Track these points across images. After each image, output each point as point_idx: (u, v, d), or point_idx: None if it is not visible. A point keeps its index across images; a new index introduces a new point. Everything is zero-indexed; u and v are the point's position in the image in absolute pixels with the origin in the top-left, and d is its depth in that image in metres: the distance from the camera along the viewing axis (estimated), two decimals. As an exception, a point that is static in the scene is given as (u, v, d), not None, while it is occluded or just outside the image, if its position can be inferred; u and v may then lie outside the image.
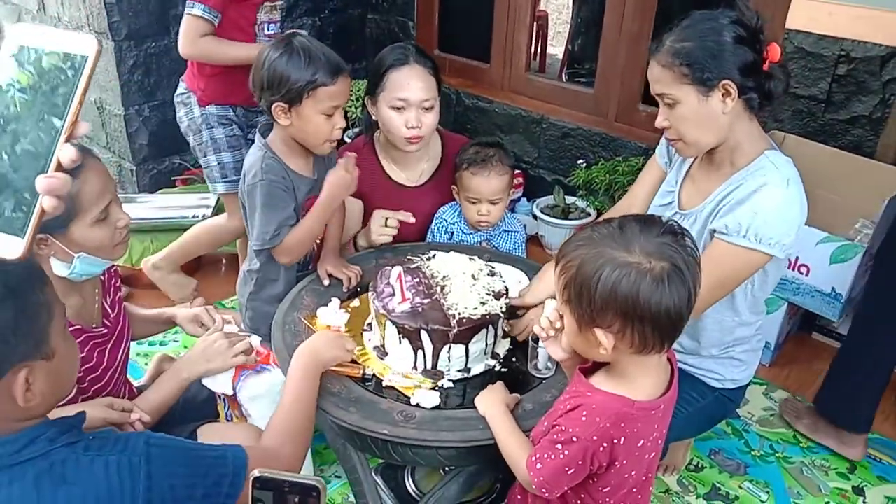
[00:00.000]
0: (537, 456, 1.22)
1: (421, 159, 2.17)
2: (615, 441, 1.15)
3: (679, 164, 1.77)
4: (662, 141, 1.84)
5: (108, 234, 1.42)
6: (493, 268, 1.74)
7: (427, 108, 2.00)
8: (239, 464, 1.13)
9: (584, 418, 1.16)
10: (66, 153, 0.62)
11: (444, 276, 1.67)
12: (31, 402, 0.97)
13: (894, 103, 2.41)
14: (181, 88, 2.42)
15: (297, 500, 0.87)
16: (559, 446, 1.17)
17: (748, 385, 1.84)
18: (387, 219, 2.02)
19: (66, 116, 0.62)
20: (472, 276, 1.67)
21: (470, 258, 1.76)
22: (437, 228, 2.17)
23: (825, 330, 2.70)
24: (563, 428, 1.17)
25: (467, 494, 1.73)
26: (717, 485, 2.09)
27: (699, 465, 2.15)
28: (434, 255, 1.76)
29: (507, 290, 1.66)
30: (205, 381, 1.69)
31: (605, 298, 1.08)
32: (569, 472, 1.18)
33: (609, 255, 1.08)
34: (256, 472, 0.87)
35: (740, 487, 2.08)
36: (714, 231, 1.56)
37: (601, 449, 1.15)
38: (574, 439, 1.15)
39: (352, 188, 1.82)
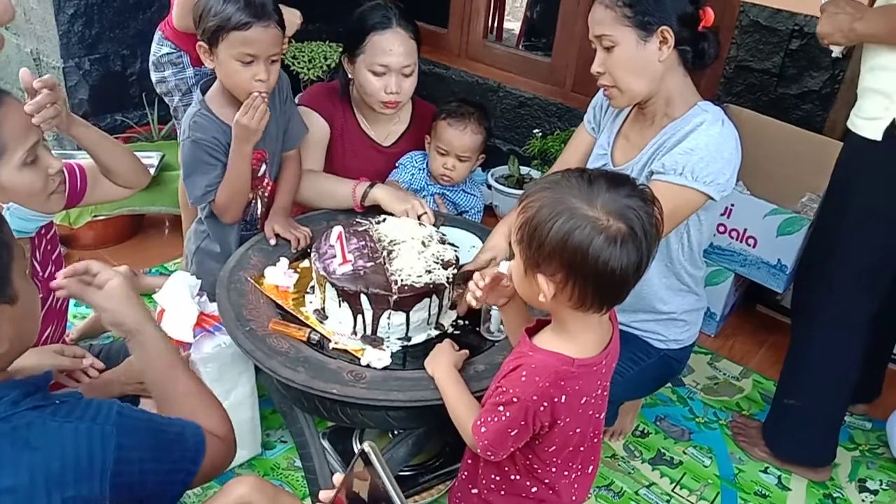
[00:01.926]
0: (482, 419, 1.21)
1: (391, 120, 2.14)
2: (555, 399, 1.14)
3: (609, 126, 1.77)
4: (590, 108, 1.85)
5: (39, 179, 1.33)
6: (444, 235, 1.71)
7: (407, 74, 1.96)
8: (199, 441, 1.08)
9: (523, 378, 1.15)
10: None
11: (392, 241, 1.63)
12: (0, 349, 0.92)
13: (844, 79, 2.45)
14: (167, 48, 2.28)
15: None
16: (501, 408, 1.17)
17: (692, 346, 1.87)
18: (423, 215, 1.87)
19: None
20: (423, 243, 1.64)
21: (419, 223, 1.73)
22: (401, 170, 2.14)
23: (769, 302, 2.76)
24: (504, 389, 1.17)
25: (416, 458, 1.72)
26: (662, 450, 2.12)
27: (645, 431, 2.18)
28: (385, 220, 1.73)
29: (457, 259, 1.63)
30: (164, 328, 1.63)
31: (553, 246, 1.06)
32: (512, 434, 1.17)
33: (569, 204, 1.06)
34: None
35: (684, 453, 2.12)
36: (651, 173, 1.57)
37: (541, 408, 1.14)
38: (514, 400, 1.15)
39: (258, 130, 1.70)
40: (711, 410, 2.29)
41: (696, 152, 1.50)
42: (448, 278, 1.55)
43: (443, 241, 1.67)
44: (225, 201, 1.77)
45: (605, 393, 1.25)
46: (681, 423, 2.23)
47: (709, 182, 1.51)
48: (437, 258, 1.59)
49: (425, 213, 1.85)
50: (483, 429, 1.20)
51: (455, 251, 1.66)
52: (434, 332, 1.59)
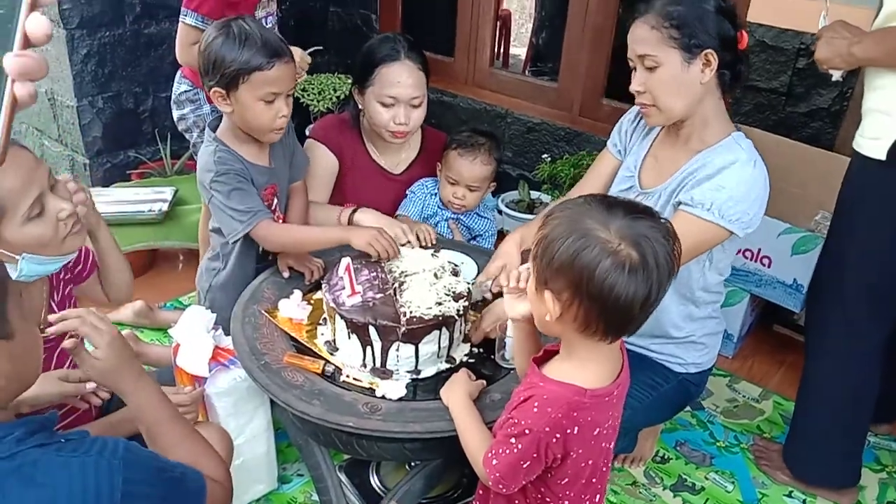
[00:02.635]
0: (493, 451, 1.18)
1: (402, 149, 2.16)
2: (568, 431, 1.12)
3: (637, 147, 1.76)
4: (614, 131, 1.84)
5: (48, 229, 1.27)
6: (456, 266, 1.71)
7: (416, 105, 1.98)
8: (200, 484, 1.08)
9: (535, 409, 1.12)
10: (36, 25, 0.48)
11: (403, 272, 1.63)
12: None
13: (852, 96, 2.44)
14: (185, 86, 2.34)
15: None
16: (513, 440, 1.14)
17: (711, 369, 1.84)
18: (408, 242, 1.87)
19: None
20: (434, 275, 1.63)
21: (433, 255, 1.73)
22: (412, 199, 2.15)
23: (787, 322, 2.73)
24: (516, 420, 1.14)
25: (433, 490, 1.70)
26: (684, 476, 2.09)
27: (665, 457, 2.15)
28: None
29: (469, 292, 1.62)
30: (179, 363, 1.63)
31: (562, 262, 1.05)
32: (524, 466, 1.15)
33: (585, 225, 1.06)
34: None
35: (706, 478, 2.09)
36: (679, 203, 1.57)
37: (554, 440, 1.12)
38: (526, 431, 1.12)
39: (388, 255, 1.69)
40: (732, 434, 2.26)
41: (727, 191, 1.51)
42: (459, 311, 1.53)
43: (455, 273, 1.67)
44: (284, 237, 1.80)
45: (616, 423, 1.23)
46: (701, 448, 2.19)
47: (734, 220, 1.52)
48: (449, 290, 1.58)
49: (408, 242, 1.84)
50: (494, 461, 1.17)
51: (468, 284, 1.65)
52: (445, 366, 1.56)
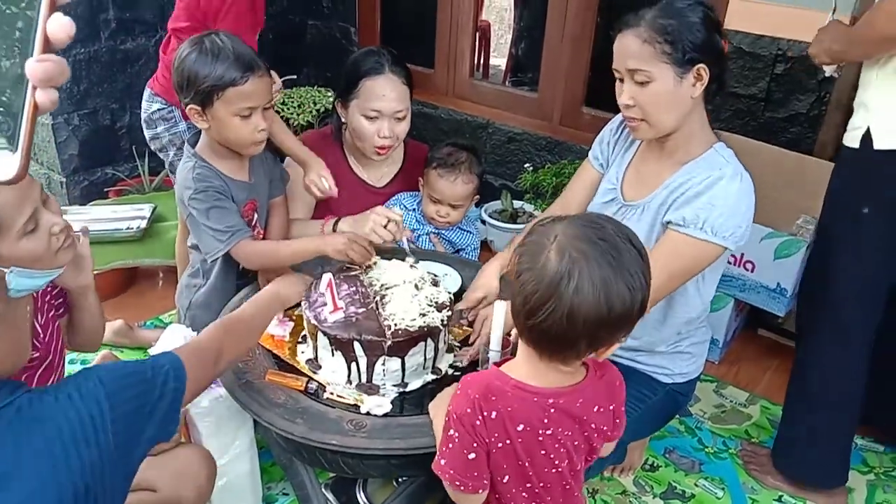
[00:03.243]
0: (440, 451, 1.18)
1: (384, 163, 2.14)
2: (485, 413, 1.11)
3: (619, 159, 1.74)
4: (595, 143, 1.83)
5: (42, 244, 1.25)
6: (436, 276, 1.69)
7: (400, 119, 1.96)
8: (177, 366, 1.13)
9: (458, 392, 1.15)
10: (58, 26, 0.45)
11: (384, 285, 1.61)
12: None
13: (830, 101, 2.46)
14: (157, 104, 2.27)
15: None
16: (451, 431, 1.14)
17: (698, 378, 1.83)
18: (390, 222, 1.81)
19: None
20: (415, 286, 1.61)
21: (412, 266, 1.71)
22: None
23: (771, 326, 2.74)
24: (449, 409, 1.15)
25: (422, 505, 1.67)
26: (674, 483, 2.08)
27: (654, 465, 2.14)
28: (375, 262, 1.71)
29: (451, 300, 1.61)
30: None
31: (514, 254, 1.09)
32: (470, 457, 1.13)
33: (546, 224, 1.08)
34: None
35: (696, 485, 2.08)
36: (668, 223, 1.55)
37: (478, 422, 1.11)
38: (454, 416, 1.13)
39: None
40: (720, 440, 2.25)
41: (717, 208, 1.49)
42: (443, 320, 1.52)
43: (435, 283, 1.65)
44: (265, 255, 1.76)
45: (577, 446, 1.17)
46: (690, 455, 2.19)
47: (728, 236, 1.50)
48: (431, 301, 1.56)
49: (391, 220, 1.79)
50: (443, 460, 1.16)
51: (449, 293, 1.63)
52: (431, 377, 1.55)
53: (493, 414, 1.11)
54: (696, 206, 1.50)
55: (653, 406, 1.73)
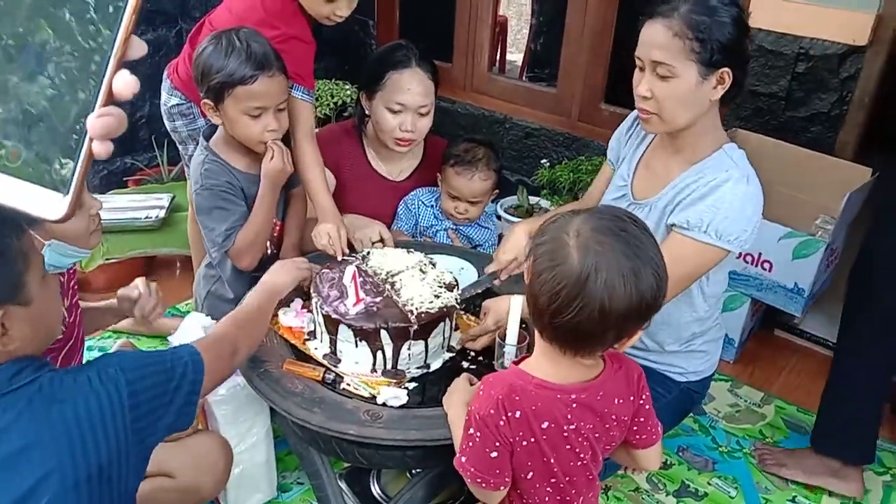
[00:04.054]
0: (461, 449, 1.18)
1: (404, 157, 2.14)
2: (509, 414, 1.10)
3: (630, 155, 1.73)
4: (612, 141, 1.81)
5: (83, 223, 1.33)
6: (432, 259, 1.71)
7: (423, 114, 1.97)
8: (196, 358, 1.16)
9: (481, 393, 1.14)
10: (122, 82, 0.46)
11: (389, 273, 1.62)
12: (10, 346, 1.00)
13: (852, 100, 2.44)
14: (176, 99, 2.26)
15: None
16: (471, 430, 1.14)
17: (712, 376, 1.83)
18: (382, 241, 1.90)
19: (117, 32, 0.45)
20: (420, 270, 1.63)
21: (408, 251, 1.73)
22: (405, 212, 2.14)
23: (787, 326, 2.72)
24: (470, 408, 1.15)
25: (434, 498, 1.68)
26: (687, 482, 2.07)
27: (668, 463, 2.13)
28: (369, 253, 1.72)
29: (456, 281, 1.63)
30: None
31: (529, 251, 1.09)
32: (492, 456, 1.13)
33: (560, 220, 1.07)
34: None
35: (709, 484, 2.07)
36: (672, 225, 1.53)
37: (502, 422, 1.10)
38: (476, 417, 1.12)
39: (286, 172, 1.72)
40: (734, 439, 2.24)
41: (722, 211, 1.46)
42: (456, 299, 1.56)
43: (434, 265, 1.68)
44: (245, 246, 1.74)
45: (598, 437, 1.18)
46: (704, 454, 2.18)
47: (732, 240, 1.48)
48: (440, 282, 1.59)
49: (381, 241, 1.86)
50: (463, 458, 1.16)
51: (451, 273, 1.66)
52: (448, 356, 1.59)
53: (518, 413, 1.11)
54: (700, 208, 1.48)
55: (667, 405, 1.72)
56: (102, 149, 0.48)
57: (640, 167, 1.69)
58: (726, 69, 1.42)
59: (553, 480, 1.18)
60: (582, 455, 1.17)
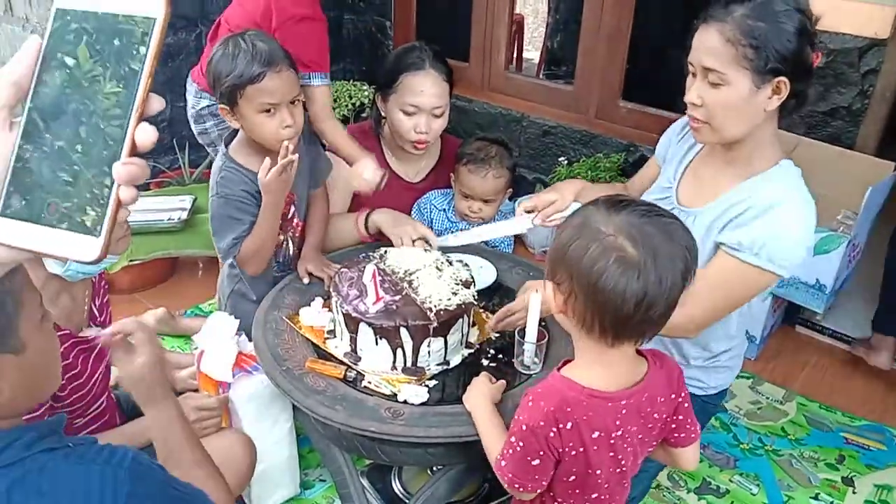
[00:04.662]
0: (502, 453, 1.18)
1: (421, 157, 2.15)
2: (560, 426, 1.10)
3: (678, 158, 1.66)
4: (663, 138, 1.74)
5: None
6: (448, 257, 1.72)
7: (437, 115, 1.98)
8: None
9: (530, 404, 1.12)
10: (144, 134, 0.52)
11: (407, 271, 1.63)
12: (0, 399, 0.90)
13: (873, 94, 2.42)
14: (206, 101, 2.31)
15: None
16: (513, 438, 1.14)
17: (728, 388, 1.79)
18: (422, 240, 1.89)
19: (137, 91, 0.51)
20: (437, 268, 1.64)
21: (425, 249, 1.74)
22: (418, 215, 2.15)
23: (809, 323, 2.70)
24: (516, 417, 1.14)
25: (455, 494, 1.69)
26: (708, 479, 2.07)
27: (689, 460, 2.13)
28: (386, 251, 1.73)
29: (472, 277, 1.64)
30: (203, 369, 1.64)
31: (558, 251, 1.06)
32: (533, 463, 1.13)
33: (590, 216, 1.06)
34: None
35: (730, 481, 2.07)
36: (721, 244, 1.45)
37: (552, 434, 1.10)
38: (523, 427, 1.11)
39: (289, 183, 1.71)
40: (756, 436, 2.24)
41: (777, 234, 1.38)
42: (473, 296, 1.57)
43: (450, 262, 1.69)
44: (250, 254, 1.77)
45: (642, 440, 1.18)
46: (725, 451, 2.17)
47: (785, 265, 1.40)
48: (457, 279, 1.60)
49: (420, 238, 1.85)
50: (503, 462, 1.17)
51: (467, 270, 1.67)
52: (466, 352, 1.60)
53: (569, 425, 1.10)
54: (753, 229, 1.39)
55: None
56: (128, 195, 0.52)
57: (688, 173, 1.62)
58: (783, 78, 1.34)
59: (590, 488, 1.19)
60: (623, 462, 1.17)
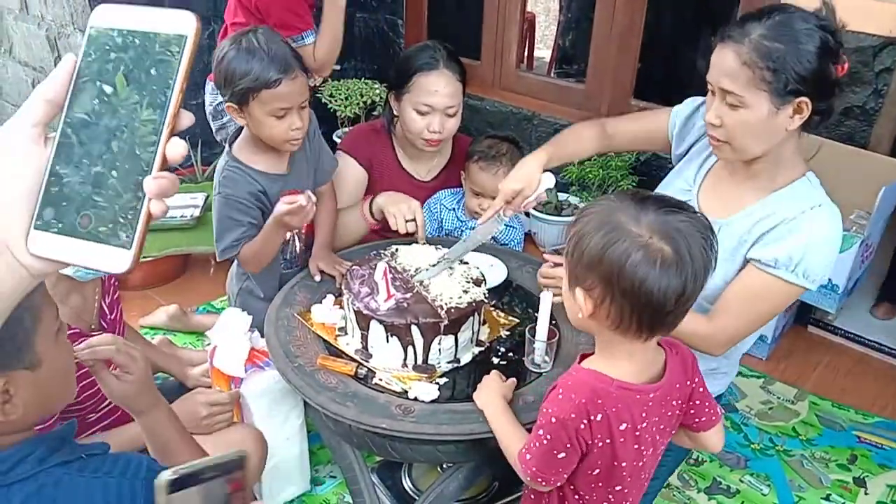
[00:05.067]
0: (526, 446, 1.18)
1: (433, 156, 2.16)
2: (592, 417, 1.10)
3: (698, 164, 1.62)
4: (684, 109, 1.68)
5: None
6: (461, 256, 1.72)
7: (451, 115, 1.99)
8: None
9: (560, 396, 1.12)
10: (174, 149, 0.53)
11: (418, 269, 1.64)
12: (13, 415, 0.89)
13: (887, 94, 2.40)
14: (221, 97, 2.36)
15: (222, 482, 0.79)
16: (541, 431, 1.13)
17: (723, 394, 1.79)
18: (414, 223, 1.91)
19: (168, 107, 0.53)
20: (448, 266, 1.65)
21: (436, 247, 1.74)
22: (428, 215, 2.15)
23: (821, 323, 2.69)
24: (544, 410, 1.14)
25: (465, 492, 1.70)
26: (718, 479, 2.07)
27: (699, 459, 2.13)
28: (397, 250, 1.74)
29: (483, 276, 1.65)
30: (216, 364, 1.66)
31: (592, 258, 1.04)
32: (558, 457, 1.13)
33: (615, 219, 1.04)
34: (169, 474, 0.75)
35: (741, 481, 2.06)
36: (753, 260, 1.44)
37: (582, 426, 1.10)
38: (553, 420, 1.11)
39: (304, 221, 1.72)
40: (767, 436, 2.23)
41: (812, 249, 1.37)
42: (484, 293, 1.57)
43: (462, 261, 1.69)
44: (249, 257, 1.79)
45: (661, 432, 1.19)
46: (736, 451, 2.17)
47: (816, 279, 1.40)
48: (468, 277, 1.61)
49: (413, 220, 1.87)
50: (528, 455, 1.17)
51: (478, 268, 1.68)
52: (477, 350, 1.60)
53: (599, 416, 1.10)
54: (789, 245, 1.38)
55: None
56: (158, 208, 0.53)
57: (709, 179, 1.59)
58: (804, 98, 1.31)
59: (614, 480, 1.19)
60: (644, 453, 1.18)
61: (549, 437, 1.12)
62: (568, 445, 1.12)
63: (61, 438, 0.93)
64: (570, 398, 1.11)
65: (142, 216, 0.53)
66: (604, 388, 1.10)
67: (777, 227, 1.41)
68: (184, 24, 0.53)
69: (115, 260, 0.53)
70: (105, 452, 0.95)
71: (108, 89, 0.54)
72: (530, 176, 1.64)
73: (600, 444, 1.13)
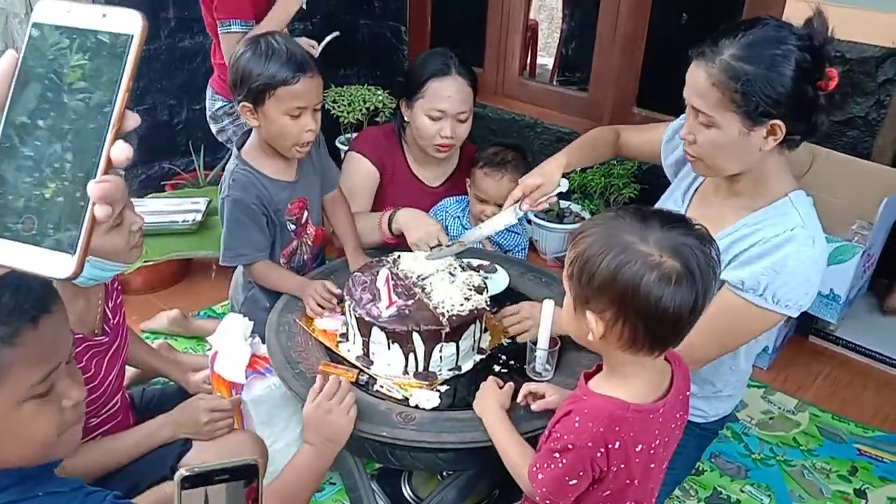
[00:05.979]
0: (538, 465, 1.16)
1: (442, 162, 2.17)
2: (610, 446, 1.09)
3: (687, 183, 1.62)
4: (679, 121, 1.66)
5: (123, 238, 1.35)
6: (462, 261, 1.73)
7: (462, 120, 2.00)
8: None
9: (577, 424, 1.10)
10: (119, 151, 0.52)
11: (420, 276, 1.64)
12: None
13: (890, 104, 2.41)
14: (220, 102, 2.41)
15: (233, 486, 0.80)
16: (556, 455, 1.12)
17: (731, 414, 1.78)
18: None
19: (114, 108, 0.51)
20: (450, 273, 1.65)
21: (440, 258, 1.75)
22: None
23: (822, 333, 2.68)
24: (559, 435, 1.12)
25: (465, 500, 1.69)
26: (719, 488, 2.06)
27: (699, 469, 2.12)
28: (399, 256, 1.74)
29: (485, 283, 1.65)
30: (217, 370, 1.65)
31: (603, 280, 1.03)
32: (570, 483, 1.12)
33: (622, 239, 1.03)
34: (184, 471, 0.78)
35: (741, 491, 2.05)
36: (725, 282, 1.41)
37: (599, 454, 1.09)
38: (569, 447, 1.10)
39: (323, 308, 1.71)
40: (768, 446, 2.22)
41: (783, 275, 1.33)
42: (486, 301, 1.57)
43: (464, 269, 1.70)
44: (259, 278, 1.84)
45: (667, 447, 1.19)
46: (736, 460, 2.16)
47: (790, 305, 1.37)
48: (470, 285, 1.61)
49: (438, 245, 1.86)
50: (540, 475, 1.15)
51: (480, 276, 1.68)
52: (478, 358, 1.60)
53: (617, 444, 1.09)
54: (757, 268, 1.35)
55: (683, 447, 1.67)
56: (102, 212, 0.52)
57: (696, 198, 1.60)
58: (777, 122, 1.27)
59: (625, 498, 1.18)
60: (654, 468, 1.17)
61: (563, 461, 1.11)
62: (581, 473, 1.11)
63: (26, 475, 0.88)
64: (588, 427, 1.09)
65: (86, 220, 0.52)
66: (621, 415, 1.09)
67: (750, 248, 1.39)
68: (130, 23, 0.52)
69: (59, 265, 0.52)
70: (77, 488, 0.92)
71: (50, 90, 0.52)
72: (552, 174, 1.67)
73: (615, 469, 1.12)
